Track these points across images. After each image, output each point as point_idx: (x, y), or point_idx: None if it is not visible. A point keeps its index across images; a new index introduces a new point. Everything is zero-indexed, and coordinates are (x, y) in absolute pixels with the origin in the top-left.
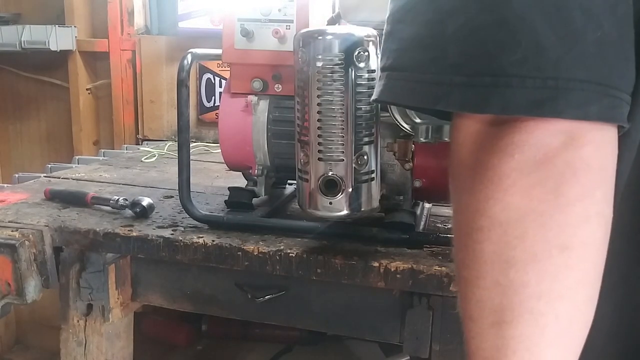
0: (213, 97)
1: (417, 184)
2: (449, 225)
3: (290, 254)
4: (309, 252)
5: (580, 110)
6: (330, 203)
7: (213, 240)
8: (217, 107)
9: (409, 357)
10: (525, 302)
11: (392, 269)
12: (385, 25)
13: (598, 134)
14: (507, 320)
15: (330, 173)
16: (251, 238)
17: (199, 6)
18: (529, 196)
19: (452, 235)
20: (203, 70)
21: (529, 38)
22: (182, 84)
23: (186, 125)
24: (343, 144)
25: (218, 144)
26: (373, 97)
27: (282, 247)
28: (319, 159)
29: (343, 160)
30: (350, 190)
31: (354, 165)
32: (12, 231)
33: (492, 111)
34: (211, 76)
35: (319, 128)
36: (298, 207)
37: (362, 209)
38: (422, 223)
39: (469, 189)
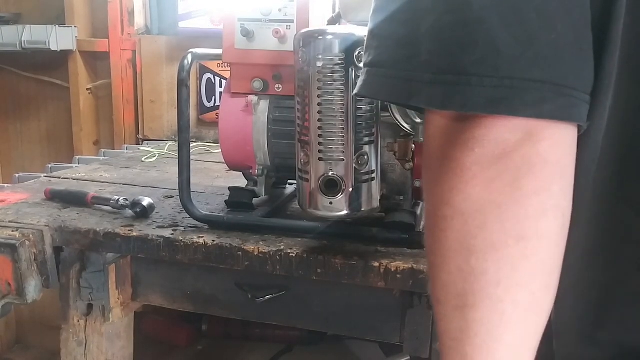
0: (213, 97)
1: (418, 183)
2: None
3: (291, 254)
4: (309, 252)
5: (535, 109)
6: (331, 203)
7: (213, 240)
8: (217, 107)
9: (409, 357)
10: (485, 288)
11: (393, 269)
12: (369, 24)
13: (555, 132)
14: (469, 304)
15: (330, 173)
16: (251, 238)
17: (199, 6)
18: (488, 188)
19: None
20: (203, 70)
21: (486, 39)
22: (182, 83)
23: (186, 125)
24: (343, 144)
25: (218, 144)
26: (354, 92)
27: (282, 247)
28: (320, 159)
29: (343, 160)
30: (350, 190)
31: (354, 165)
32: (12, 231)
33: (453, 108)
34: (211, 76)
35: (319, 128)
36: (298, 207)
37: (363, 209)
38: (423, 223)
39: (436, 180)
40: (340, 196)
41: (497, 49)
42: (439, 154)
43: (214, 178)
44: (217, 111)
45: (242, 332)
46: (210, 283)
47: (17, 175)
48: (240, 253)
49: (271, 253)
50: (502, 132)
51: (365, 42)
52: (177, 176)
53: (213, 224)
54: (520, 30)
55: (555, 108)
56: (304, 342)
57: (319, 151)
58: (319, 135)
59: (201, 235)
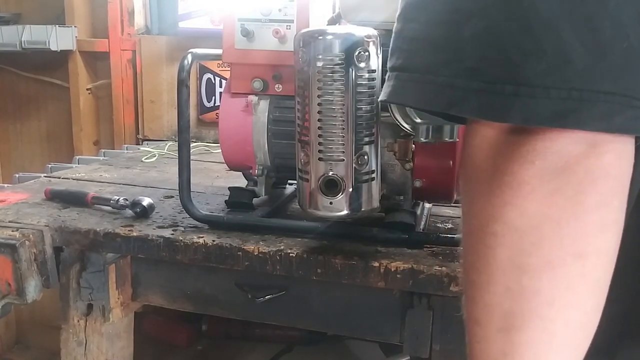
0: (213, 97)
1: (418, 184)
2: (449, 225)
3: (291, 254)
4: (309, 252)
5: (604, 122)
6: (331, 203)
7: (213, 240)
8: (217, 107)
9: (409, 357)
10: (537, 308)
11: (392, 269)
12: (396, 23)
13: (619, 144)
14: (516, 325)
15: (330, 173)
16: (251, 238)
17: (199, 6)
18: (547, 203)
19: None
20: (203, 70)
21: (555, 48)
22: (182, 84)
23: (186, 125)
24: (343, 144)
25: (218, 144)
26: (381, 98)
27: (282, 247)
28: (320, 159)
29: (343, 160)
30: (350, 190)
31: (354, 165)
32: (12, 231)
33: (514, 121)
34: (211, 76)
35: (319, 128)
36: (298, 207)
37: (363, 209)
38: (422, 223)
39: (484, 193)
40: (340, 196)
41: (568, 59)
42: (488, 166)
43: (214, 178)
44: (217, 111)
45: (242, 332)
46: (210, 283)
47: (17, 175)
48: (240, 253)
49: (271, 253)
50: (565, 144)
51: (392, 43)
52: (177, 176)
53: (213, 224)
54: (592, 38)
55: (624, 121)
56: (304, 342)
57: (319, 151)
58: (319, 135)
59: (201, 235)
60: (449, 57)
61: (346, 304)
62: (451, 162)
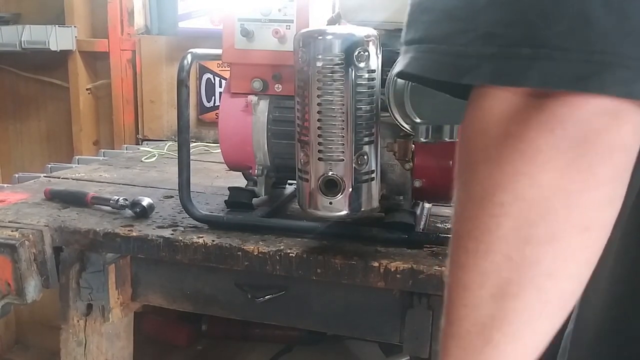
0: (213, 97)
1: (417, 184)
2: (449, 225)
3: (290, 254)
4: (309, 252)
5: (627, 88)
6: (330, 203)
7: (213, 240)
8: (217, 107)
9: (409, 357)
10: (535, 278)
11: (392, 269)
12: None
13: (637, 115)
14: (511, 293)
15: (330, 173)
16: (251, 238)
17: (199, 6)
18: (561, 174)
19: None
20: (203, 70)
21: (576, 9)
22: (182, 84)
23: (186, 125)
24: (343, 144)
25: (218, 144)
26: (397, 70)
27: (282, 247)
28: (319, 159)
29: (343, 160)
30: (350, 190)
31: (354, 165)
32: (12, 231)
33: (531, 84)
34: (211, 76)
35: (319, 128)
36: (298, 207)
37: (362, 209)
38: (422, 223)
39: (492, 160)
40: (340, 196)
41: (588, 20)
42: (500, 132)
43: (214, 178)
44: (217, 111)
45: (242, 332)
46: (210, 283)
47: (16, 175)
48: (239, 253)
49: (271, 253)
50: (588, 112)
51: (408, 16)
52: (177, 176)
53: (213, 224)
54: (614, 0)
55: None
56: (304, 342)
57: (319, 151)
58: (319, 135)
59: (201, 235)
60: (465, 26)
61: (346, 304)
62: (451, 162)
